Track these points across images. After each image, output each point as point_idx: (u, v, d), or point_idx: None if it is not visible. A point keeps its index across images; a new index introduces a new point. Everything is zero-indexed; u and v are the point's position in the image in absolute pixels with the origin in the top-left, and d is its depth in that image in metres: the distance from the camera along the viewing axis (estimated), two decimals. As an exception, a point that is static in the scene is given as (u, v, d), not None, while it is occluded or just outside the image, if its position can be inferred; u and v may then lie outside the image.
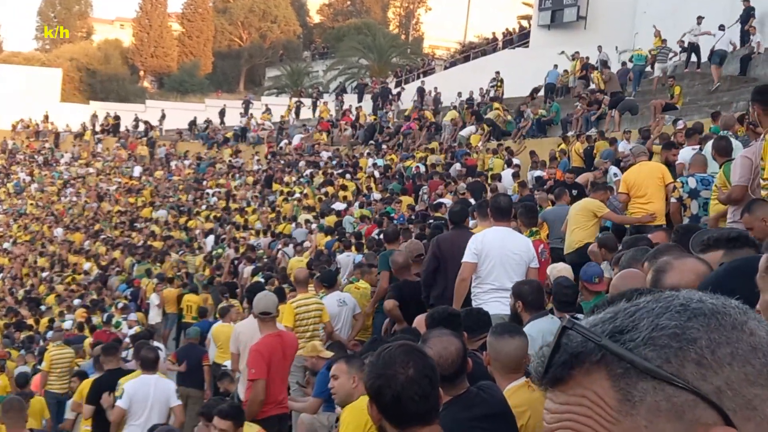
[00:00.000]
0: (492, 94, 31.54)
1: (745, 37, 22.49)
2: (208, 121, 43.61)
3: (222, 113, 44.19)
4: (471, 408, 3.55)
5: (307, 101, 43.34)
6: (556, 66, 29.54)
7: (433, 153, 25.62)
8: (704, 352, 0.86)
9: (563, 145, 20.11)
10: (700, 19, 23.22)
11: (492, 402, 3.72)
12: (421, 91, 35.23)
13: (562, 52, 28.98)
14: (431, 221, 14.80)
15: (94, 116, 48.18)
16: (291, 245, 18.54)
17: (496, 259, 6.82)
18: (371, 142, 31.65)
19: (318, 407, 7.09)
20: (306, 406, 7.22)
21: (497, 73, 32.21)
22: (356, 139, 33.44)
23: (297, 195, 26.04)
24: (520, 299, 5.47)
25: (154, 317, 17.48)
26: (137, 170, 39.81)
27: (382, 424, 2.61)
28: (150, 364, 8.10)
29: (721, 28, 22.20)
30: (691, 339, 0.87)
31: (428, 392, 2.57)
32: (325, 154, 31.71)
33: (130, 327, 16.32)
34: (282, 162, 33.24)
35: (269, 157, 35.19)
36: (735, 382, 0.86)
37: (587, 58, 28.34)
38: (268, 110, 42.45)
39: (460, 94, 32.44)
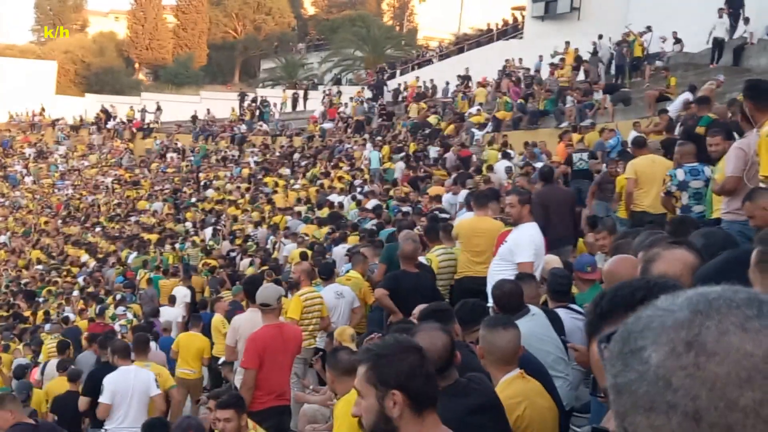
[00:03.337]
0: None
1: (734, 23, 22.60)
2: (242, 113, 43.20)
3: (255, 100, 43.87)
4: (466, 396, 3.59)
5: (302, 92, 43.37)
6: (541, 57, 29.40)
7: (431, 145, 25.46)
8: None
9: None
10: (720, 11, 22.75)
11: (485, 392, 3.77)
12: (466, 78, 33.90)
13: (554, 53, 28.65)
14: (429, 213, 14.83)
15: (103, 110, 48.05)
16: (285, 237, 18.47)
17: (541, 254, 7.23)
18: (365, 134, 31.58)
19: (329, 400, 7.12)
20: (319, 399, 7.23)
21: (460, 76, 31.66)
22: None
23: (296, 186, 26.02)
24: (495, 304, 5.42)
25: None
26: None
27: (403, 414, 2.50)
28: (123, 352, 8.21)
29: (649, 28, 24.51)
30: None
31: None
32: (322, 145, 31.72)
33: (119, 319, 16.29)
34: (277, 154, 33.20)
35: (263, 148, 35.17)
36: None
37: (577, 49, 28.17)
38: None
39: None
